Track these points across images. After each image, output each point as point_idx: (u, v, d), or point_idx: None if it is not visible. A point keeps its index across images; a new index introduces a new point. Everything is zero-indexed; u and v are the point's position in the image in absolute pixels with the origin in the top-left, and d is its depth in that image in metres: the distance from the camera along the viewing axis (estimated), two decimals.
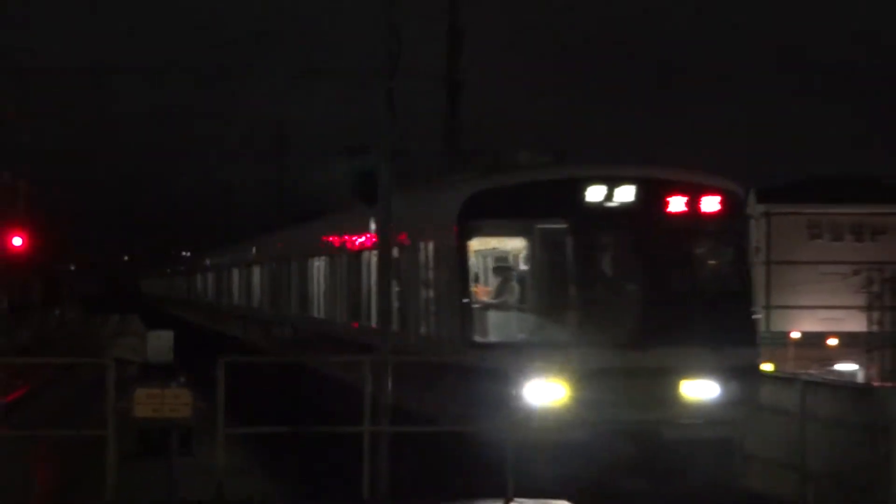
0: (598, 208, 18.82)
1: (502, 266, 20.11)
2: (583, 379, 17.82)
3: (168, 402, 15.60)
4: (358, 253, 26.93)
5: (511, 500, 14.48)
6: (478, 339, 18.65)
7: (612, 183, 18.84)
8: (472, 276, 19.18)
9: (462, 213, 19.20)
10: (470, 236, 19.18)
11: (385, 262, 18.51)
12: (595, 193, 18.80)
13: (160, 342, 33.46)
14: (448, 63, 31.48)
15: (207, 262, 64.22)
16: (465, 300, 18.75)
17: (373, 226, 23.11)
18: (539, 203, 19.00)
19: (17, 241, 34.79)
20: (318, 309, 31.87)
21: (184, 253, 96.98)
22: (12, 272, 43.48)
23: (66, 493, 19.27)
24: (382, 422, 16.71)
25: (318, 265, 31.69)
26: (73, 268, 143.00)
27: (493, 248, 20.20)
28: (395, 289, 22.10)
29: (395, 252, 21.63)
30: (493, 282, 20.01)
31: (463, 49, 31.86)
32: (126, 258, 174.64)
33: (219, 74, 36.89)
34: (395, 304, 22.24)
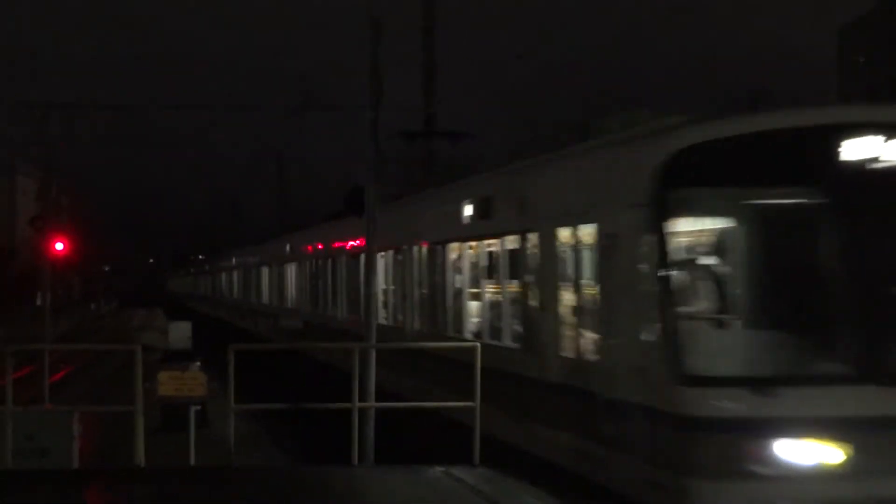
0: (873, 171, 10.83)
1: (697, 259, 11.99)
2: (870, 434, 10.27)
3: (187, 383, 15.64)
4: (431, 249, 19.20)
5: (477, 466, 14.54)
6: (697, 370, 10.58)
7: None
8: (671, 274, 11.03)
9: (663, 178, 10.96)
10: (672, 214, 11.09)
11: (371, 268, 18.17)
12: (868, 148, 10.79)
13: (180, 332, 33.58)
14: (424, 99, 31.51)
15: (234, 260, 55.78)
16: (673, 311, 10.83)
17: (465, 210, 17.19)
18: (778, 163, 10.96)
19: (59, 246, 34.80)
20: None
21: (200, 256, 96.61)
22: (55, 272, 43.48)
23: (101, 459, 19.33)
24: (369, 399, 16.62)
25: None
26: (106, 269, 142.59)
27: (679, 231, 11.73)
28: (509, 292, 15.30)
29: (510, 243, 15.18)
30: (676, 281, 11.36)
31: (436, 80, 31.88)
32: (151, 260, 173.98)
33: (232, 107, 36.97)
34: (508, 313, 15.38)
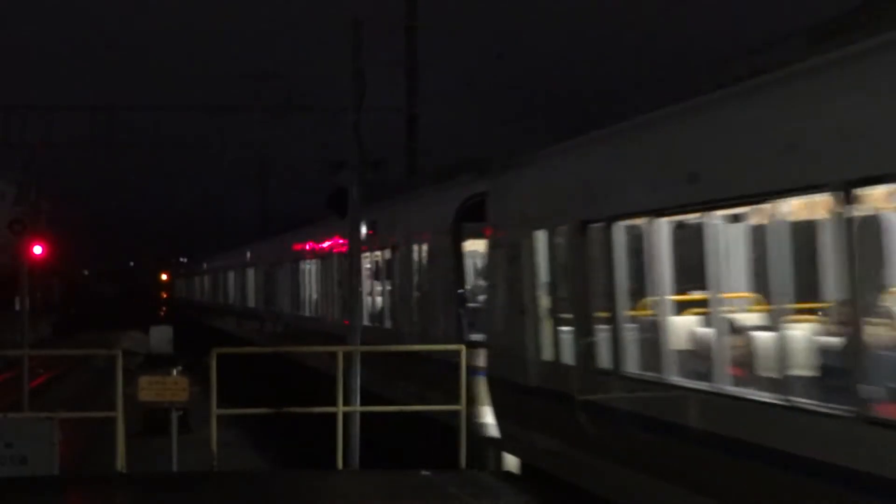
0: None
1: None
2: None
3: (168, 388, 15.56)
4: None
5: (464, 469, 14.55)
6: None
7: None
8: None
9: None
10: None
11: (355, 267, 18.08)
12: None
13: (161, 336, 33.46)
14: (407, 99, 31.45)
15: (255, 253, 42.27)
16: None
17: None
18: None
19: (37, 250, 34.70)
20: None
21: (182, 259, 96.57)
22: (34, 276, 43.41)
23: (83, 465, 19.25)
24: (353, 403, 16.55)
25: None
26: (86, 272, 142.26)
27: None
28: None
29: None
30: None
31: (419, 83, 31.80)
32: (131, 264, 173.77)
33: (212, 108, 36.91)
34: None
